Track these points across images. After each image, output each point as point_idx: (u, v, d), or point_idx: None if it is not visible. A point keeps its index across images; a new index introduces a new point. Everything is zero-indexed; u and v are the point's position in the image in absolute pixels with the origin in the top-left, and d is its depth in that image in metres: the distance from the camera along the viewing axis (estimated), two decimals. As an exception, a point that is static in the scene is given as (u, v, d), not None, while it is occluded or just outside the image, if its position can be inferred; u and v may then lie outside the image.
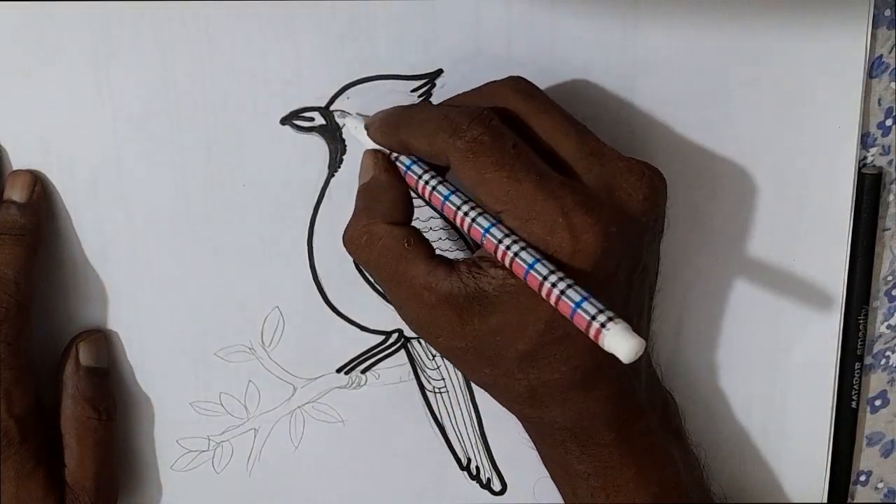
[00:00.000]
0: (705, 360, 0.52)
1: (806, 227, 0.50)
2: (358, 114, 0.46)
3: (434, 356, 0.51)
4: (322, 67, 0.46)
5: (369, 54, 0.46)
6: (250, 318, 0.49)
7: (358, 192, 0.44)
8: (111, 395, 0.48)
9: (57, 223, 0.47)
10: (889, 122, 0.49)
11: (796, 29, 0.47)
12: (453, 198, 0.41)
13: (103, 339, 0.48)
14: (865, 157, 0.50)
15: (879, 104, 0.49)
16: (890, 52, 0.48)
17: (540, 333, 0.40)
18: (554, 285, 0.38)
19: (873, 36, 0.48)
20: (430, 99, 0.47)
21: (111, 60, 0.45)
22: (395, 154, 0.44)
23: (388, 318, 0.50)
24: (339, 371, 0.51)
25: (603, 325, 0.36)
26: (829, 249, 0.51)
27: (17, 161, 0.46)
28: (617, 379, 0.44)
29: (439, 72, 0.46)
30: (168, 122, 0.46)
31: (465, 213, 0.40)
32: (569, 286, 0.37)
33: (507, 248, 0.39)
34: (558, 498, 0.49)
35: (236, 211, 0.47)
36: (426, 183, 0.42)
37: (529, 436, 0.47)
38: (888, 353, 0.53)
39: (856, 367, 0.52)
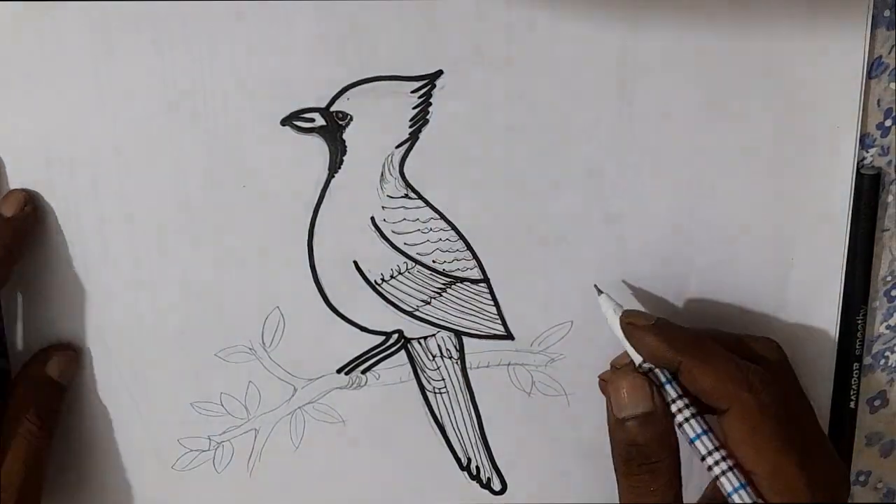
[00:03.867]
0: (705, 360, 0.52)
1: (805, 227, 0.50)
2: (617, 304, 0.46)
3: (434, 357, 0.51)
4: (322, 67, 0.46)
5: (369, 54, 0.46)
6: (251, 319, 0.49)
7: (623, 445, 0.44)
8: (60, 413, 0.48)
9: (56, 223, 0.47)
10: (888, 123, 0.50)
11: (795, 29, 0.47)
12: (705, 439, 0.42)
13: (75, 359, 0.49)
14: (864, 158, 0.50)
15: (878, 105, 0.49)
16: (889, 53, 0.48)
17: None
18: None
19: (872, 36, 0.48)
20: (430, 100, 0.47)
21: (111, 60, 0.45)
22: (646, 365, 0.44)
23: (388, 318, 0.50)
24: (339, 371, 0.51)
25: None
26: (827, 250, 0.51)
27: (18, 161, 0.46)
28: None
29: (439, 72, 0.46)
30: (168, 122, 0.46)
31: (716, 462, 0.41)
32: None
33: None
34: (557, 497, 0.49)
35: (236, 211, 0.47)
36: (680, 411, 0.42)
37: None
38: (887, 353, 0.53)
39: (854, 368, 0.52)
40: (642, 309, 0.50)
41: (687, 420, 0.42)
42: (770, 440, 0.41)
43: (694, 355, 0.43)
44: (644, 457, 0.43)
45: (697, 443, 0.42)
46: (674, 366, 0.43)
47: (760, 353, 0.45)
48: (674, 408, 0.43)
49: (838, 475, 0.44)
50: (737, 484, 0.41)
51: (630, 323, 0.45)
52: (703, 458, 0.42)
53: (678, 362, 0.43)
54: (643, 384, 0.43)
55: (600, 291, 0.47)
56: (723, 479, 0.41)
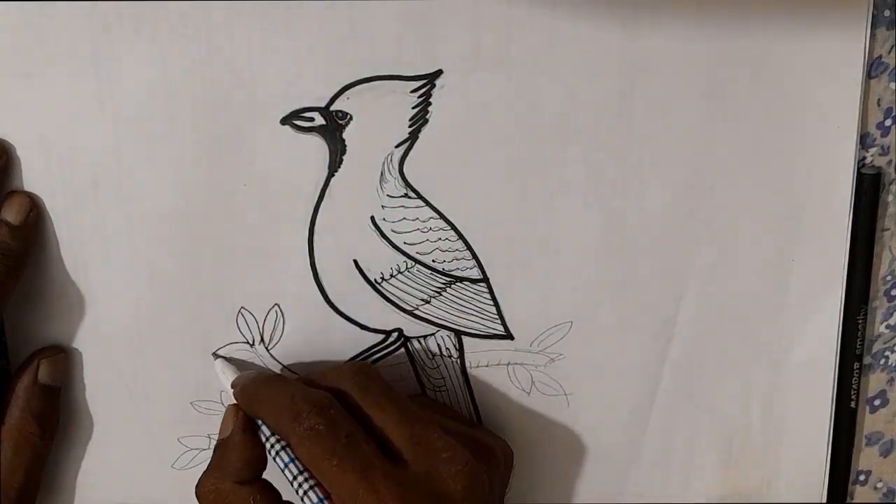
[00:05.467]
0: (705, 360, 0.52)
1: (805, 227, 0.50)
2: (228, 364, 0.49)
3: (433, 356, 0.51)
4: (322, 67, 0.46)
5: (369, 54, 0.46)
6: (251, 317, 0.49)
7: (215, 446, 0.47)
8: (58, 414, 0.49)
9: (56, 223, 0.47)
10: (888, 123, 0.50)
11: (795, 29, 0.47)
12: (291, 466, 0.44)
13: (64, 360, 0.49)
14: (864, 158, 0.50)
15: (879, 104, 0.49)
16: (889, 53, 0.48)
17: None
18: None
19: (872, 36, 0.48)
20: (430, 100, 0.47)
21: (111, 60, 0.45)
22: None
23: (387, 317, 0.50)
24: (339, 369, 0.51)
25: None
26: (828, 249, 0.51)
27: (18, 161, 0.46)
28: None
29: (439, 72, 0.46)
30: (168, 122, 0.46)
31: (300, 485, 0.44)
32: None
33: None
34: (557, 497, 0.49)
35: (236, 211, 0.47)
36: (272, 446, 0.45)
37: None
38: (887, 352, 0.53)
39: (855, 367, 0.52)
40: (645, 306, 0.51)
41: (277, 453, 0.45)
42: (328, 459, 0.43)
43: (259, 401, 0.46)
44: (227, 473, 0.46)
45: (286, 471, 0.45)
46: (252, 415, 0.46)
47: (336, 381, 0.47)
48: (267, 445, 0.45)
49: (440, 469, 0.44)
50: (315, 500, 0.44)
51: (231, 385, 0.48)
52: (292, 484, 0.44)
53: (252, 411, 0.46)
54: (228, 414, 0.47)
55: (216, 356, 0.50)
56: (304, 499, 0.44)
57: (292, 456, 0.44)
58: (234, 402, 0.47)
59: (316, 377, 0.47)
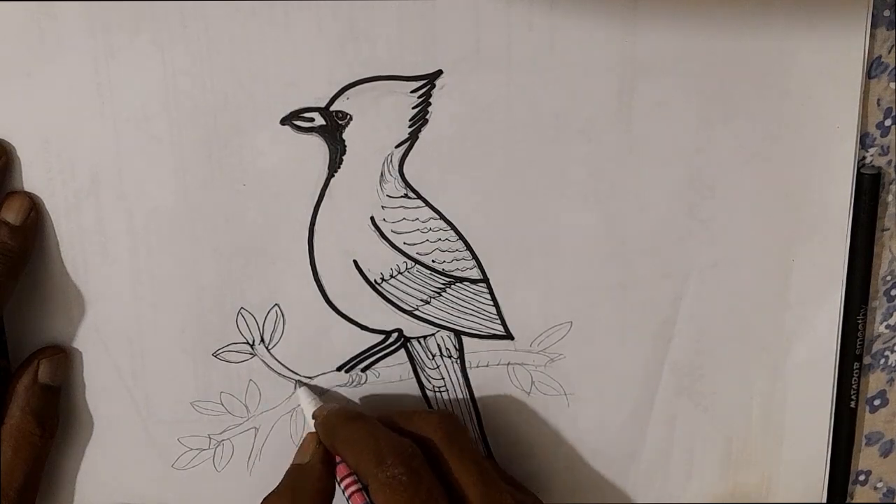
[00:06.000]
0: (705, 360, 0.52)
1: (805, 227, 0.50)
2: (310, 392, 0.49)
3: (433, 356, 0.51)
4: (322, 67, 0.46)
5: (369, 54, 0.46)
6: (251, 317, 0.49)
7: (289, 468, 0.48)
8: (58, 414, 0.49)
9: (56, 223, 0.47)
10: (888, 123, 0.50)
11: (795, 29, 0.47)
12: None
13: (64, 360, 0.48)
14: (864, 157, 0.50)
15: (878, 104, 0.49)
16: (889, 53, 0.48)
17: None
18: None
19: (872, 36, 0.48)
20: (430, 100, 0.47)
21: (111, 60, 0.45)
22: None
23: (387, 317, 0.50)
24: (339, 369, 0.51)
25: None
26: (827, 249, 0.51)
27: (17, 161, 0.46)
28: None
29: (439, 72, 0.46)
30: (168, 122, 0.46)
31: None
32: None
33: None
34: (557, 497, 0.49)
35: (236, 211, 0.48)
36: (347, 486, 0.46)
37: None
38: (887, 352, 0.53)
39: (855, 367, 0.52)
40: (645, 306, 0.51)
41: (352, 494, 0.45)
42: None
43: (342, 438, 0.46)
44: (300, 499, 0.46)
45: None
46: (331, 449, 0.47)
47: (421, 427, 0.47)
48: (344, 484, 0.46)
49: None
50: None
51: (313, 416, 0.49)
52: None
53: (332, 446, 0.47)
54: (308, 442, 0.48)
55: (300, 384, 0.50)
56: None
57: (368, 501, 0.45)
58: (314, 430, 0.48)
59: (398, 419, 0.48)
